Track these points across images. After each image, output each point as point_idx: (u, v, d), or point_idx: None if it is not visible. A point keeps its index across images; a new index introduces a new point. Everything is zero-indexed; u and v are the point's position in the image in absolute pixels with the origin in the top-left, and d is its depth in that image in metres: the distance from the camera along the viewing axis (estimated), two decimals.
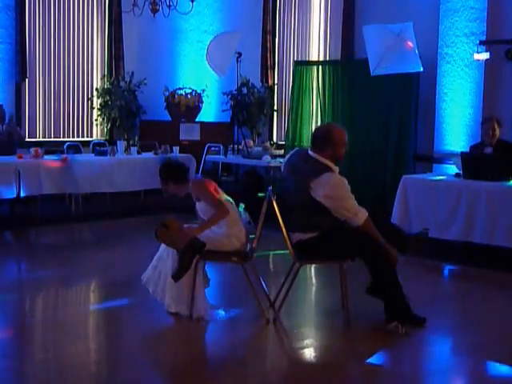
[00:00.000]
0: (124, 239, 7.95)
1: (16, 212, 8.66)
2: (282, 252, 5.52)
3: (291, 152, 5.09)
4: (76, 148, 10.12)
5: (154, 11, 8.84)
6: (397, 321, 4.63)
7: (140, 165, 9.35)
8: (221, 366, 4.21)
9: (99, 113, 10.98)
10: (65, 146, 10.03)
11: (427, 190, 7.05)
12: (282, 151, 10.23)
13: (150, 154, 9.71)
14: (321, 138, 4.80)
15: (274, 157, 9.41)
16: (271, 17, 10.87)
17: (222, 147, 10.37)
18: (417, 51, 8.17)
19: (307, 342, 4.62)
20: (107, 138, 11.23)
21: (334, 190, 4.64)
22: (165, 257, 4.85)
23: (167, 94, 11.24)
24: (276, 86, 11.06)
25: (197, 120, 11.26)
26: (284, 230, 4.76)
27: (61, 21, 10.80)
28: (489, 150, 7.31)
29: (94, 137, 11.27)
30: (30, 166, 8.33)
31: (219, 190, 4.98)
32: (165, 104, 11.25)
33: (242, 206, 5.07)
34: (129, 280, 5.78)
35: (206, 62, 10.22)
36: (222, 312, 5.01)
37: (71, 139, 10.86)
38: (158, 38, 11.59)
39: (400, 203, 7.14)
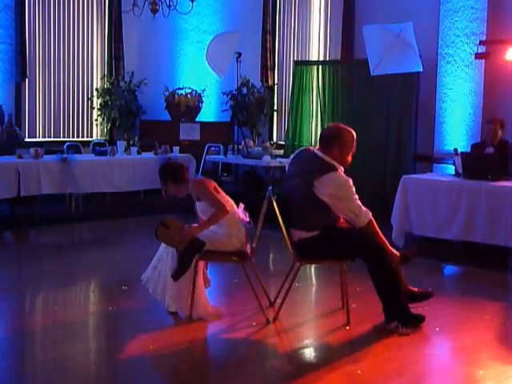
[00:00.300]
0: (124, 239, 7.95)
1: (16, 212, 8.66)
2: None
3: (298, 150, 5.09)
4: (76, 148, 10.13)
5: (154, 11, 8.84)
6: (397, 321, 4.63)
7: (140, 165, 9.35)
8: (221, 366, 4.21)
9: (99, 113, 10.99)
10: (65, 146, 10.04)
11: (427, 189, 7.05)
12: (281, 151, 10.24)
13: (150, 154, 9.70)
14: (329, 137, 4.79)
15: (274, 157, 9.41)
16: (271, 17, 10.87)
17: (222, 147, 10.37)
18: (417, 51, 8.17)
19: (307, 342, 4.62)
20: (107, 138, 11.23)
21: (339, 189, 4.64)
22: (165, 257, 4.85)
23: (167, 94, 11.24)
24: (276, 86, 11.06)
25: (197, 120, 11.26)
26: (284, 229, 4.75)
27: (61, 21, 10.80)
28: (490, 150, 7.31)
29: (94, 137, 11.27)
30: (30, 166, 8.33)
31: (219, 189, 4.98)
32: (165, 104, 11.25)
33: (242, 205, 5.07)
34: (129, 280, 5.78)
35: (206, 62, 10.22)
36: (222, 312, 5.00)
37: (71, 139, 10.87)
38: (158, 38, 11.60)
39: (400, 203, 7.14)
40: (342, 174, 4.70)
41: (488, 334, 4.76)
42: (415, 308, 4.82)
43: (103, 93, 10.96)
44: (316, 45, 10.60)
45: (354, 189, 4.68)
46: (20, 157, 8.42)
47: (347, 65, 9.68)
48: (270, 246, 7.21)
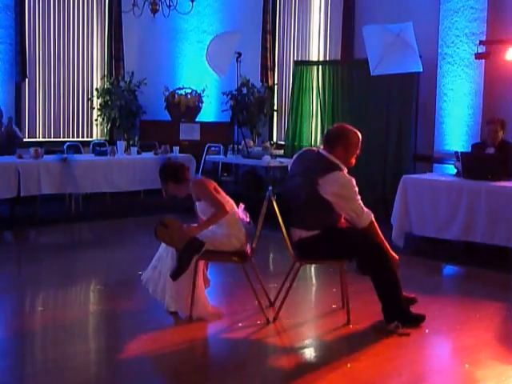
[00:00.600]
0: (124, 239, 7.95)
1: (16, 212, 8.66)
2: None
3: (302, 150, 5.10)
4: (76, 148, 10.13)
5: (154, 11, 8.84)
6: (397, 321, 4.63)
7: (140, 165, 9.35)
8: (221, 366, 4.21)
9: (99, 113, 10.99)
10: (65, 146, 10.04)
11: (427, 189, 7.05)
12: (281, 151, 10.24)
13: (150, 154, 9.71)
14: (334, 137, 4.79)
15: (274, 157, 9.41)
16: (271, 17, 10.87)
17: (222, 147, 10.37)
18: (417, 51, 8.17)
19: (307, 341, 4.62)
20: (107, 138, 11.23)
21: (342, 189, 4.64)
22: (164, 256, 4.85)
23: (167, 94, 11.24)
24: (276, 86, 11.06)
25: (197, 120, 11.27)
26: (284, 229, 4.75)
27: (61, 21, 10.80)
28: (491, 150, 7.31)
29: (94, 137, 11.27)
30: (30, 166, 8.33)
31: (219, 189, 4.98)
32: (165, 104, 11.25)
33: (242, 205, 5.07)
34: (129, 280, 5.78)
35: (206, 62, 10.22)
36: (222, 312, 5.00)
37: (71, 139, 10.87)
38: (158, 38, 11.60)
39: (400, 203, 7.14)
40: (346, 174, 4.71)
41: (488, 334, 4.76)
42: (415, 308, 4.82)
43: (103, 93, 10.96)
44: (316, 45, 10.60)
45: (357, 189, 4.69)
46: (20, 157, 8.42)
47: (347, 65, 9.68)
48: (269, 246, 7.21)
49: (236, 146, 10.18)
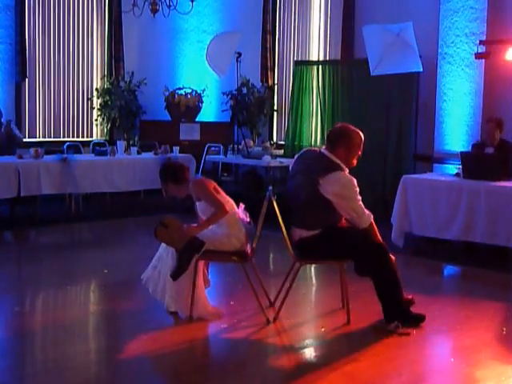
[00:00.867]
0: (124, 239, 7.95)
1: (16, 212, 8.66)
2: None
3: (303, 150, 5.11)
4: (76, 148, 10.13)
5: (154, 11, 8.84)
6: (397, 321, 4.63)
7: (140, 165, 9.35)
8: (221, 366, 4.21)
9: (99, 113, 10.99)
10: (65, 146, 10.03)
11: (427, 189, 7.05)
12: (281, 151, 10.24)
13: (150, 154, 9.70)
14: (336, 136, 4.79)
15: (274, 157, 9.41)
16: (271, 17, 10.87)
17: (222, 147, 10.37)
18: (417, 51, 8.17)
19: (307, 341, 4.62)
20: (107, 138, 11.23)
21: (343, 189, 4.64)
22: (165, 256, 4.85)
23: (167, 94, 11.24)
24: (276, 86, 11.06)
25: (197, 120, 11.26)
26: (284, 229, 4.76)
27: (61, 21, 10.80)
28: (490, 150, 7.31)
29: (94, 137, 11.27)
30: (30, 165, 8.33)
31: (219, 189, 4.98)
32: (165, 104, 11.25)
33: (242, 206, 5.07)
34: (129, 280, 5.78)
35: (206, 62, 10.22)
36: (222, 312, 5.00)
37: (71, 139, 10.86)
38: (158, 38, 11.60)
39: (400, 203, 7.14)
40: (347, 174, 4.71)
41: (488, 333, 4.76)
42: (415, 308, 4.82)
43: (103, 93, 10.95)
44: (316, 45, 10.60)
45: (357, 189, 4.69)
46: (20, 157, 8.42)
47: (347, 65, 9.68)
48: (270, 246, 7.21)
49: (236, 146, 10.18)
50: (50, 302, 5.57)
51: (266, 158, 9.18)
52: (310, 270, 6.42)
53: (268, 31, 10.83)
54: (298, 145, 10.03)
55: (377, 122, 9.00)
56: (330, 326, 4.85)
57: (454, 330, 4.86)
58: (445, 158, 8.56)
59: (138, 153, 9.65)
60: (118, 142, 9.66)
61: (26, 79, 10.40)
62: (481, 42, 8.12)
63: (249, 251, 4.90)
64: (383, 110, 9.00)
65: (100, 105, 10.98)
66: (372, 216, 4.75)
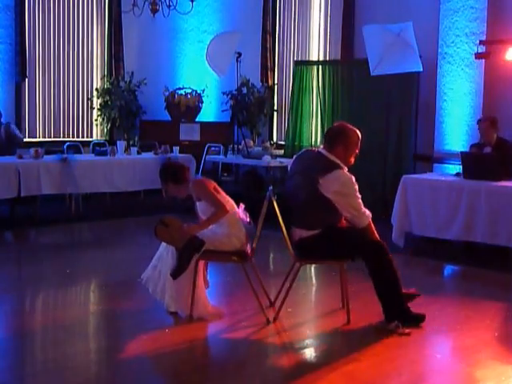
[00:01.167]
0: (124, 239, 7.95)
1: (16, 212, 8.66)
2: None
3: (302, 150, 5.12)
4: (76, 148, 10.12)
5: (154, 11, 8.84)
6: (397, 321, 4.63)
7: (140, 165, 9.35)
8: (221, 366, 4.21)
9: (99, 113, 10.99)
10: (65, 146, 10.03)
11: (427, 189, 7.05)
12: (281, 151, 10.24)
13: (150, 154, 9.70)
14: (334, 136, 4.80)
15: (274, 157, 9.41)
16: (271, 17, 10.87)
17: (222, 147, 10.37)
18: (417, 51, 8.17)
19: (307, 341, 4.62)
20: (107, 138, 11.23)
21: (343, 187, 4.65)
22: (165, 256, 4.85)
23: (167, 94, 11.24)
24: (276, 86, 11.06)
25: (197, 120, 11.26)
26: (284, 229, 4.76)
27: (61, 21, 10.80)
28: (488, 149, 7.30)
29: (94, 137, 11.27)
30: (30, 166, 8.33)
31: (219, 189, 4.98)
32: (165, 104, 11.25)
33: (243, 206, 5.07)
34: (129, 280, 5.78)
35: (206, 62, 10.22)
36: (222, 312, 5.00)
37: (71, 139, 10.86)
38: (158, 38, 11.60)
39: (400, 203, 7.14)
40: (347, 172, 4.72)
41: (488, 334, 4.76)
42: (415, 308, 4.81)
43: (103, 93, 10.95)
44: (316, 45, 10.60)
45: (357, 187, 4.70)
46: (20, 157, 8.42)
47: (347, 65, 9.68)
48: (270, 246, 7.21)
49: (236, 146, 10.18)
50: (50, 302, 5.57)
51: (266, 158, 9.18)
52: (310, 270, 6.42)
53: (268, 31, 10.83)
54: (298, 145, 10.03)
55: (377, 122, 9.00)
56: (330, 326, 4.85)
57: (454, 329, 4.86)
58: (445, 157, 8.55)
59: (138, 153, 9.64)
60: (117, 142, 9.66)
61: (26, 79, 10.40)
62: (481, 42, 8.12)
63: (249, 251, 4.90)
64: (383, 110, 9.00)
65: (100, 105, 10.98)
66: (371, 215, 4.75)
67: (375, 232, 4.78)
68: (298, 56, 10.79)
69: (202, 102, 11.35)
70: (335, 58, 10.12)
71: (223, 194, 4.98)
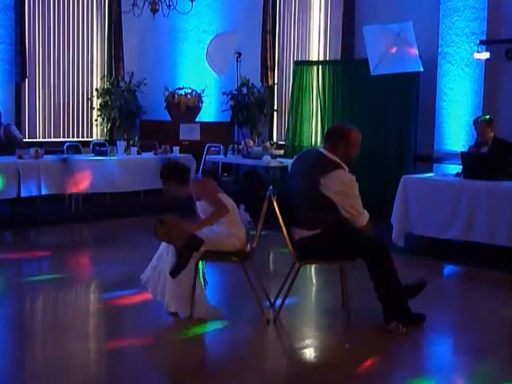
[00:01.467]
0: (124, 239, 7.94)
1: (16, 212, 8.65)
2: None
3: (303, 150, 5.13)
4: (76, 148, 10.11)
5: (154, 11, 8.84)
6: (397, 320, 4.63)
7: (140, 165, 9.34)
8: (221, 366, 4.21)
9: (99, 113, 10.98)
10: (65, 146, 10.03)
11: (427, 189, 7.05)
12: (281, 151, 10.25)
13: (150, 154, 9.70)
14: (335, 136, 4.81)
15: (274, 157, 9.41)
16: (271, 17, 10.87)
17: (222, 147, 10.36)
18: (417, 51, 8.17)
19: (307, 341, 4.61)
20: (107, 138, 11.23)
21: (345, 186, 4.66)
22: (165, 256, 4.84)
23: (167, 94, 11.23)
24: (276, 86, 11.06)
25: (197, 120, 11.26)
26: (284, 229, 4.75)
27: (61, 21, 10.80)
28: (485, 149, 7.31)
29: (94, 137, 11.26)
30: (30, 166, 8.32)
31: (219, 189, 4.98)
32: (165, 104, 11.25)
33: (243, 206, 5.07)
34: (129, 280, 5.77)
35: (206, 62, 10.22)
36: (222, 312, 4.99)
37: (71, 139, 10.86)
38: (158, 38, 11.59)
39: (400, 203, 7.13)
40: (348, 172, 4.72)
41: (489, 334, 4.75)
42: (415, 308, 4.81)
43: (103, 93, 10.95)
44: (316, 45, 10.60)
45: (357, 187, 4.70)
46: (20, 157, 8.41)
47: (347, 65, 9.68)
48: (270, 246, 7.21)
49: (236, 146, 10.18)
50: (50, 302, 5.56)
51: (266, 158, 9.18)
52: (310, 270, 6.41)
53: (268, 31, 10.83)
54: (298, 145, 10.03)
55: (377, 122, 9.00)
56: (330, 326, 4.85)
57: (454, 330, 4.85)
58: (445, 157, 8.55)
59: (138, 153, 9.64)
60: (118, 142, 9.65)
61: (26, 79, 10.39)
62: (481, 42, 8.12)
63: (249, 251, 4.89)
64: (383, 110, 9.00)
65: (100, 105, 10.98)
66: (369, 216, 4.76)
67: (370, 231, 4.78)
68: (298, 56, 10.79)
69: (202, 102, 11.34)
70: (335, 58, 10.12)
71: (223, 194, 4.98)
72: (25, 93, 10.49)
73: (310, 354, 4.43)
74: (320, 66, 9.92)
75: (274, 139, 11.14)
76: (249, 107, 10.67)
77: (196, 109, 11.29)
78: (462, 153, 7.34)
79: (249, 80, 10.70)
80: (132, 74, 10.93)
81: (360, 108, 9.20)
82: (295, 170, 4.95)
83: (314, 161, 4.80)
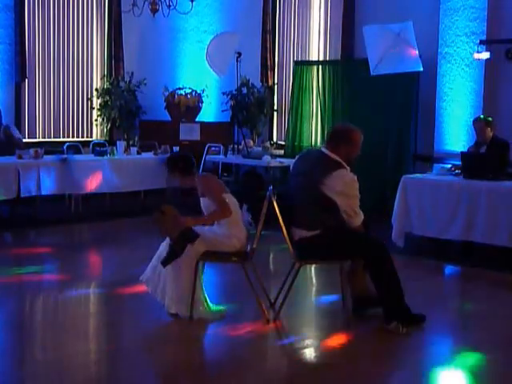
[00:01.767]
0: (124, 239, 7.94)
1: (16, 212, 8.65)
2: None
3: (305, 150, 5.13)
4: (76, 148, 10.11)
5: (154, 11, 8.83)
6: (397, 320, 4.63)
7: (140, 165, 9.34)
8: (221, 366, 4.20)
9: (99, 113, 10.98)
10: (65, 147, 10.02)
11: (427, 189, 7.04)
12: (281, 151, 10.24)
13: (150, 155, 9.69)
14: (338, 136, 4.82)
15: (274, 157, 9.40)
16: (271, 17, 10.86)
17: (222, 147, 10.36)
18: (417, 51, 8.17)
19: (307, 342, 4.61)
20: (107, 138, 11.22)
21: (346, 187, 4.67)
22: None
23: (167, 94, 11.23)
24: (276, 86, 11.05)
25: (197, 120, 11.25)
26: (284, 229, 4.75)
27: (60, 21, 10.79)
28: (483, 149, 7.31)
29: (94, 137, 11.26)
30: (30, 166, 8.32)
31: (226, 189, 4.97)
32: (165, 104, 11.24)
33: (246, 206, 5.06)
34: (128, 280, 5.77)
35: (206, 62, 10.21)
36: (222, 312, 4.99)
37: (71, 139, 10.85)
38: (158, 38, 11.59)
39: (400, 203, 7.13)
40: (350, 172, 4.73)
41: (489, 334, 4.75)
42: (415, 308, 4.81)
43: (103, 93, 10.94)
44: (316, 45, 10.59)
45: (358, 186, 4.71)
46: (20, 157, 8.41)
47: (347, 65, 9.68)
48: (270, 246, 7.20)
49: (236, 146, 10.18)
50: (50, 302, 5.56)
51: (266, 158, 9.18)
52: (310, 270, 6.41)
53: (268, 31, 10.83)
54: (298, 145, 10.02)
55: (377, 122, 8.98)
56: (330, 326, 4.84)
57: (455, 330, 4.86)
58: (445, 158, 8.55)
59: (138, 153, 9.63)
60: (117, 142, 9.65)
61: (26, 79, 10.38)
62: (481, 42, 8.12)
63: (249, 251, 4.89)
64: (383, 110, 8.99)
65: (100, 105, 10.97)
66: (363, 217, 4.77)
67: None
68: (297, 56, 10.78)
69: (202, 102, 11.34)
70: (335, 58, 10.11)
71: (229, 194, 4.96)
72: (24, 93, 10.48)
73: (309, 354, 4.43)
74: (320, 66, 9.92)
75: (274, 139, 11.14)
76: (249, 107, 10.67)
77: (196, 109, 11.29)
78: (461, 153, 7.34)
79: (249, 80, 10.70)
80: (132, 73, 10.92)
81: (360, 108, 9.19)
82: (297, 170, 4.95)
83: (316, 161, 4.80)
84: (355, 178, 4.72)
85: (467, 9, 8.33)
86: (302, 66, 10.13)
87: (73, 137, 11.04)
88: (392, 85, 8.81)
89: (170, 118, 11.25)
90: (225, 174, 10.40)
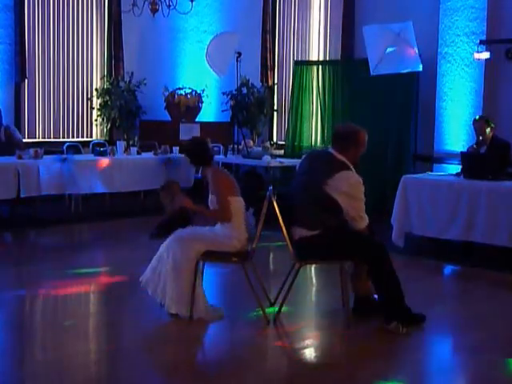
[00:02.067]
0: (124, 239, 7.94)
1: (15, 212, 8.65)
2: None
3: (312, 150, 5.13)
4: (76, 148, 10.11)
5: (154, 11, 8.83)
6: (397, 321, 4.63)
7: (140, 165, 9.34)
8: (221, 366, 4.20)
9: (99, 113, 10.97)
10: (64, 147, 10.02)
11: (427, 189, 7.04)
12: (281, 151, 10.24)
13: (150, 155, 9.69)
14: (345, 138, 4.80)
15: (274, 157, 9.40)
16: (271, 17, 10.87)
17: (222, 147, 10.36)
18: (417, 51, 8.17)
19: (307, 342, 4.61)
20: (107, 138, 11.22)
21: (351, 188, 4.66)
22: (165, 257, 4.84)
23: (167, 94, 11.23)
24: (276, 86, 11.06)
25: (197, 120, 11.25)
26: (285, 229, 4.75)
27: (60, 21, 10.78)
28: (483, 149, 7.31)
29: (94, 137, 11.25)
30: (30, 166, 8.31)
31: (236, 191, 4.94)
32: (165, 104, 11.24)
33: (252, 210, 5.06)
34: (128, 280, 5.77)
35: (206, 62, 10.21)
36: (222, 312, 4.99)
37: (71, 139, 10.85)
38: (158, 37, 11.58)
39: (400, 203, 7.13)
40: (355, 173, 4.72)
41: (489, 334, 4.75)
42: (415, 308, 4.81)
43: (103, 93, 10.94)
44: (316, 45, 10.60)
45: (363, 189, 4.70)
46: (20, 157, 8.41)
47: (347, 65, 9.68)
48: (270, 246, 7.20)
49: (236, 146, 10.18)
50: (50, 302, 5.56)
51: (266, 158, 9.18)
52: (310, 270, 6.41)
53: (268, 31, 10.83)
54: (298, 145, 10.03)
55: (377, 122, 8.98)
56: (330, 326, 4.84)
57: (455, 329, 4.85)
58: (445, 157, 8.55)
59: (138, 153, 9.63)
60: (117, 142, 9.65)
61: (26, 79, 10.38)
62: (481, 42, 8.12)
63: (249, 251, 4.89)
64: (383, 110, 8.99)
65: (100, 105, 10.97)
66: (368, 221, 4.76)
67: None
68: (297, 56, 10.79)
69: (202, 102, 11.34)
70: (335, 58, 10.12)
71: (237, 198, 4.92)
72: (24, 93, 10.48)
73: (310, 354, 4.43)
74: (320, 66, 9.92)
75: (274, 139, 11.14)
76: (249, 107, 10.67)
77: (196, 109, 11.29)
78: (461, 153, 7.34)
79: (249, 80, 10.70)
80: (132, 73, 10.92)
81: (360, 108, 9.20)
82: (303, 169, 4.95)
83: (322, 161, 4.81)
84: (361, 180, 4.70)
85: (467, 9, 8.34)
86: (302, 65, 10.13)
87: (73, 137, 11.04)
88: (392, 85, 8.82)
89: (169, 118, 11.25)
90: None
